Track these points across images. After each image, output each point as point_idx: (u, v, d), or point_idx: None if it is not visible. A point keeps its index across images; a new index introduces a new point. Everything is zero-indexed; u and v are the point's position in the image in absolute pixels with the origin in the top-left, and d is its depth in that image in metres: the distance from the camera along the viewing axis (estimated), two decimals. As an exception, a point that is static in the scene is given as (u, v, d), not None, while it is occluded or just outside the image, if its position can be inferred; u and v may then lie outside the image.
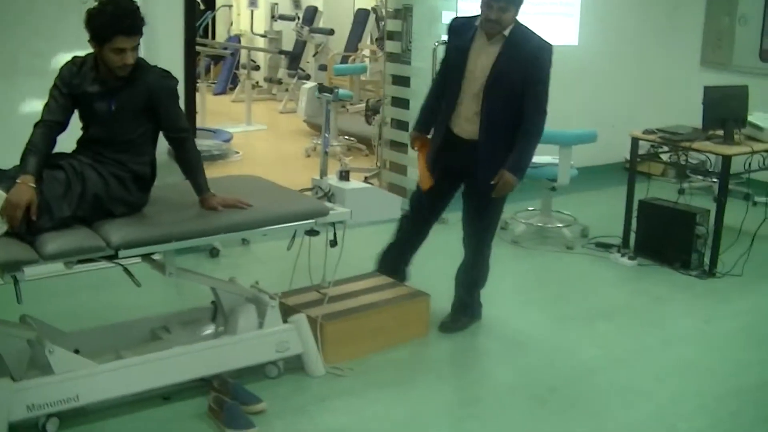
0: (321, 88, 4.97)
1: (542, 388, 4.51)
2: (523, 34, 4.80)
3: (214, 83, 15.34)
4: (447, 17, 7.28)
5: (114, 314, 4.78)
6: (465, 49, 4.81)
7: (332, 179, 4.66)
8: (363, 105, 11.02)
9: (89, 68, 3.90)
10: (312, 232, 4.38)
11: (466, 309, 5.23)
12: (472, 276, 5.20)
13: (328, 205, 4.43)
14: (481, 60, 4.77)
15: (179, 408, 4.11)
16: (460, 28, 4.95)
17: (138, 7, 3.82)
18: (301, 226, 4.30)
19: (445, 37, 6.23)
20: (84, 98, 3.90)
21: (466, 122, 4.83)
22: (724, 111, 6.48)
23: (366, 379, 4.47)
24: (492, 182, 4.76)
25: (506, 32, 4.73)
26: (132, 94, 3.90)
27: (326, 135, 4.83)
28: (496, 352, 5.01)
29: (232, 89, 14.61)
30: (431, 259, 5.64)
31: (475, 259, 5.14)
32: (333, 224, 4.46)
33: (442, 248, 5.49)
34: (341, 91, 10.37)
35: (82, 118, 3.99)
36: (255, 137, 11.42)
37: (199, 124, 10.69)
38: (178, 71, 6.09)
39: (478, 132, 4.79)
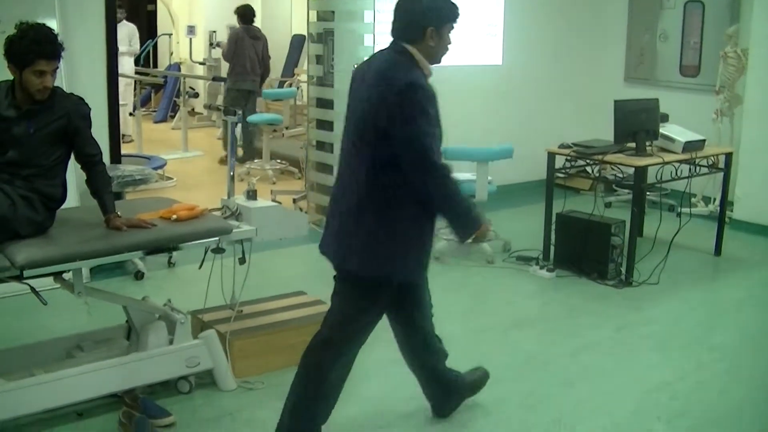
0: (225, 111, 5.00)
1: (448, 395, 4.61)
2: None
3: (155, 111, 15.40)
4: (368, 40, 7.42)
5: (34, 337, 4.86)
6: None
7: (240, 199, 4.71)
8: (299, 129, 11.14)
9: (4, 95, 4.04)
10: (218, 250, 4.43)
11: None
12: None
13: (233, 223, 4.50)
14: None
15: (92, 424, 4.20)
16: None
17: (57, 34, 4.01)
18: (205, 245, 4.38)
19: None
20: (1, 123, 4.01)
21: None
22: (635, 124, 6.65)
23: (275, 392, 4.53)
24: None
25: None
26: (50, 117, 4.05)
27: (232, 159, 4.85)
28: (404, 363, 5.09)
29: (173, 117, 14.66)
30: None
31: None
32: (241, 242, 4.55)
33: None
34: (269, 115, 10.47)
35: None
36: (191, 163, 11.50)
37: (135, 151, 10.81)
38: (100, 98, 6.25)
39: None
